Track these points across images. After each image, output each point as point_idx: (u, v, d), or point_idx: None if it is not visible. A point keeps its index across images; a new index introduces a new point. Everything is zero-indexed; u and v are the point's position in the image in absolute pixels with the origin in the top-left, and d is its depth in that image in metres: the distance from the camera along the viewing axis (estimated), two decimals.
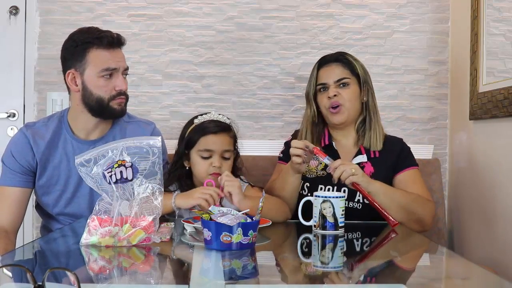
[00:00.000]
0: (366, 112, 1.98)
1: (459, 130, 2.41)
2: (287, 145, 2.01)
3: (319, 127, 2.02)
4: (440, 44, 2.51)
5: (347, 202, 1.84)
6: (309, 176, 1.95)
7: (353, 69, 1.97)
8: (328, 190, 1.90)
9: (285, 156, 1.98)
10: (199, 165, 1.86)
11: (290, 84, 2.49)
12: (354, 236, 1.63)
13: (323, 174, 1.92)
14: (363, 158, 1.94)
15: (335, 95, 1.93)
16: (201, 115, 1.92)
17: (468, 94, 2.25)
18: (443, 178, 2.43)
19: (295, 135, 2.06)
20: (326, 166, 1.80)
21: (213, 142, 1.85)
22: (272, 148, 2.43)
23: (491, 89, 2.05)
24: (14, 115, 2.48)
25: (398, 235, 1.63)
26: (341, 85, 1.95)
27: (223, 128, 1.88)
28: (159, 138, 1.47)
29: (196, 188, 1.75)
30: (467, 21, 2.27)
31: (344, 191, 1.86)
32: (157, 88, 2.47)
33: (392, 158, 1.95)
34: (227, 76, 2.48)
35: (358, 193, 1.86)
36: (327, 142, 1.99)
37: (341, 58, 1.99)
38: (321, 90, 1.98)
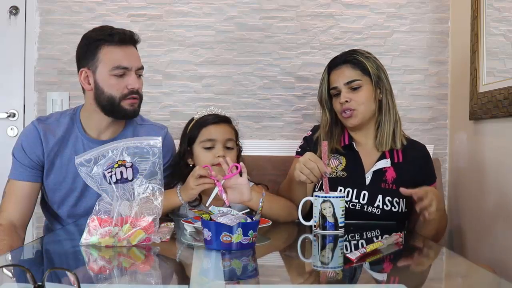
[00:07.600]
0: (380, 111, 1.91)
1: (459, 130, 2.41)
2: (306, 140, 1.98)
3: (338, 128, 1.95)
4: (440, 44, 2.51)
5: (366, 206, 1.83)
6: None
7: (364, 69, 1.87)
8: (348, 193, 1.83)
9: (304, 151, 1.91)
10: (203, 157, 1.85)
11: (290, 84, 2.49)
12: (354, 236, 1.63)
13: (343, 175, 1.87)
14: (386, 163, 1.87)
15: (346, 101, 1.85)
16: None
17: (468, 94, 2.25)
18: (443, 178, 2.43)
19: (314, 130, 1.99)
20: (346, 166, 1.78)
21: (215, 131, 1.86)
22: (272, 148, 2.44)
23: (491, 89, 2.05)
24: (14, 115, 2.47)
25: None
26: (353, 88, 1.86)
27: (222, 119, 1.90)
28: (159, 138, 1.46)
29: (188, 178, 1.73)
30: (467, 21, 2.27)
31: (364, 195, 1.84)
32: (157, 88, 2.47)
33: (415, 168, 1.90)
34: (227, 76, 2.48)
35: (378, 198, 1.84)
36: (347, 142, 1.91)
37: (350, 59, 1.89)
38: (335, 94, 1.90)
